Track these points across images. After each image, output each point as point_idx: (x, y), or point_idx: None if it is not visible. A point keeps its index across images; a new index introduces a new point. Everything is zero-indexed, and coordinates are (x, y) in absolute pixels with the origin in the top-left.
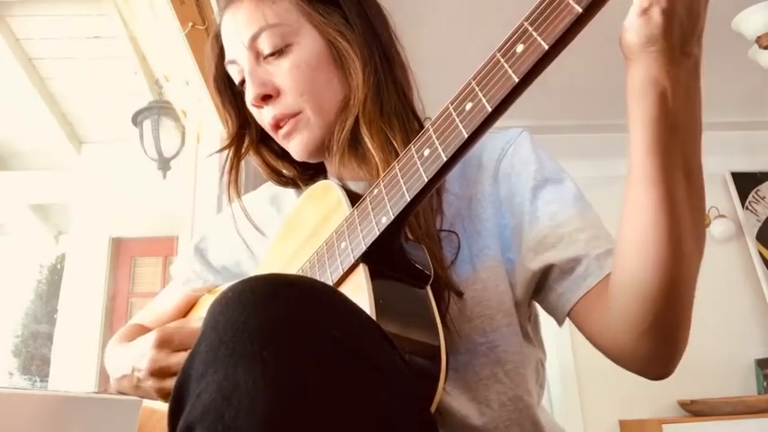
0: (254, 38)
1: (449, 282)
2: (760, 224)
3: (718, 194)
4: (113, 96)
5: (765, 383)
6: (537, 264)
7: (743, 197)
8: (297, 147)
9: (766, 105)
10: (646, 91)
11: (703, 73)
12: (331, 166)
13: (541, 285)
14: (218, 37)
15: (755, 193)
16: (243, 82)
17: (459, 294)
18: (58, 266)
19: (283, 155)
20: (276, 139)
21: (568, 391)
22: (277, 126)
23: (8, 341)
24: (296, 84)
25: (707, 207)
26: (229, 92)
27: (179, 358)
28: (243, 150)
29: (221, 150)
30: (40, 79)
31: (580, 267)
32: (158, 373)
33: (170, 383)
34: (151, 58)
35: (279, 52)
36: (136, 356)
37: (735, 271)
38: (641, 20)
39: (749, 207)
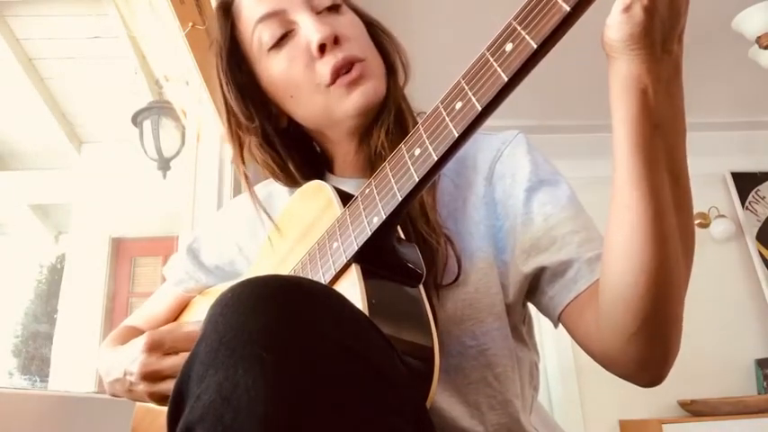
0: None
1: (456, 256)
2: (760, 224)
3: (718, 194)
4: (113, 96)
5: (765, 383)
6: (529, 266)
7: (743, 197)
8: (366, 91)
9: (766, 105)
10: (627, 88)
11: (703, 73)
12: (347, 152)
13: (534, 288)
14: (226, 8)
15: (755, 193)
16: (283, 37)
17: (457, 277)
18: (58, 266)
19: (284, 149)
20: (332, 94)
21: (568, 391)
22: (341, 71)
23: (8, 341)
24: (360, 35)
25: (707, 207)
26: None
27: (170, 362)
28: (245, 137)
29: (229, 135)
30: (40, 79)
31: (571, 271)
32: (150, 376)
33: (162, 387)
34: (151, 58)
35: (335, 9)
36: (127, 360)
37: (735, 271)
38: (623, 17)
39: (749, 207)
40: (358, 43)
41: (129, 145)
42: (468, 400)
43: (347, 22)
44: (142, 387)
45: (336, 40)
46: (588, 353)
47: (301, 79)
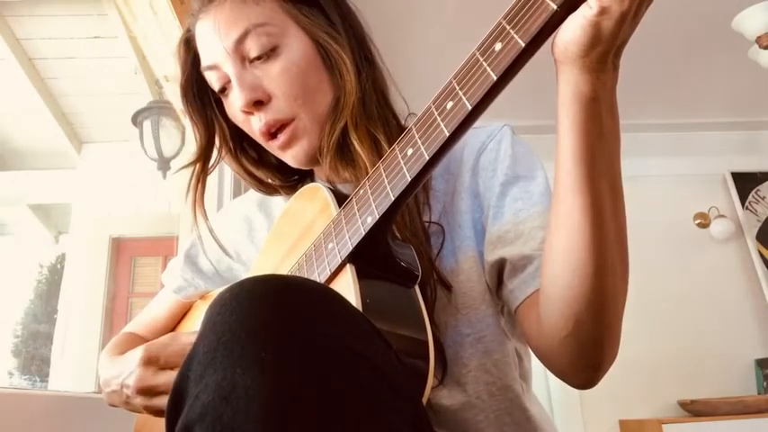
0: (240, 40)
1: (439, 274)
2: (760, 224)
3: (718, 194)
4: (113, 96)
5: (765, 383)
6: (492, 257)
7: (743, 197)
8: (297, 155)
9: (766, 105)
10: (578, 97)
11: (703, 73)
12: (320, 171)
13: (498, 280)
14: (188, 42)
15: (755, 193)
16: (223, 89)
17: (449, 287)
18: (58, 266)
19: (262, 163)
20: (270, 149)
21: (568, 392)
22: (269, 133)
23: (8, 341)
24: (288, 88)
25: (707, 207)
26: (199, 101)
27: (166, 377)
28: (211, 165)
29: (188, 165)
30: (40, 79)
31: (531, 266)
32: (145, 391)
33: (158, 402)
34: (151, 58)
35: (266, 55)
36: (124, 373)
37: (735, 271)
38: (589, 23)
39: (749, 207)
40: (286, 97)
41: (129, 145)
42: (468, 389)
43: (277, 73)
44: (138, 401)
45: (260, 103)
46: (531, 349)
47: (244, 128)
